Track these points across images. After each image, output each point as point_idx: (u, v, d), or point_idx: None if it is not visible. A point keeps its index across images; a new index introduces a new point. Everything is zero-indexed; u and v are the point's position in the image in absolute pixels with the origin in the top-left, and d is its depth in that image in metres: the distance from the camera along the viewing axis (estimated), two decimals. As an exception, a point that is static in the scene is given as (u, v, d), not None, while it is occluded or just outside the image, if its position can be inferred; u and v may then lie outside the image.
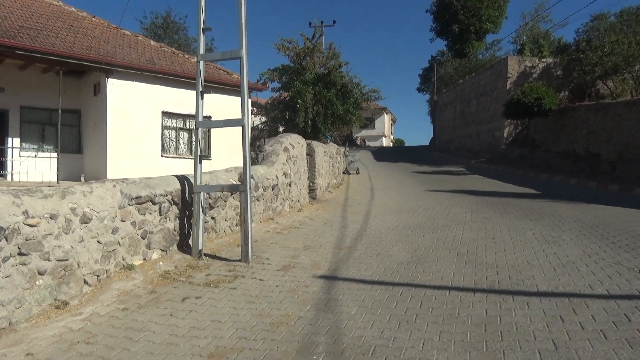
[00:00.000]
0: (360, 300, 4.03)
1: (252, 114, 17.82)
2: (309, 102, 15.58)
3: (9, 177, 12.53)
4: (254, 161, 8.72)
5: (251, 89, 14.44)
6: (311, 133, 16.24)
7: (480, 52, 39.04)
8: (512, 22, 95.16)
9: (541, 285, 4.30)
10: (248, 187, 5.31)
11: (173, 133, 13.54)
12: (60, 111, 12.09)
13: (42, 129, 13.54)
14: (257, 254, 5.63)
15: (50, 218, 3.89)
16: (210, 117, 14.16)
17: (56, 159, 12.19)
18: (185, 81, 13.64)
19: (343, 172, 18.51)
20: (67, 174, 12.68)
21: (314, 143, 11.14)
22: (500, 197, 11.11)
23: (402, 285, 4.43)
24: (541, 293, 4.08)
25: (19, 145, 12.98)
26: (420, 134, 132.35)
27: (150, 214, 5.08)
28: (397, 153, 34.64)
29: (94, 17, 15.54)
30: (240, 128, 5.52)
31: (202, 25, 5.79)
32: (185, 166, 13.36)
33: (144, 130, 12.82)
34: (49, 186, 4.69)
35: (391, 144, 61.00)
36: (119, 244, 4.67)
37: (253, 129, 17.67)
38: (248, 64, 5.37)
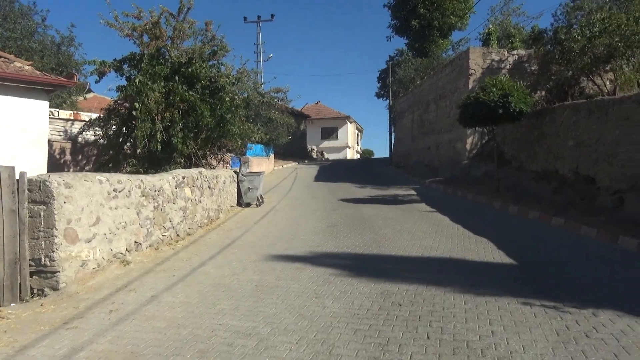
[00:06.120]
0: None
1: (88, 127, 12.17)
2: (153, 106, 10.02)
3: None
4: None
5: (39, 84, 8.80)
6: (164, 154, 10.68)
7: (445, 51, 34.12)
8: (480, 17, 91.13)
9: None
10: None
11: None
12: None
13: None
14: None
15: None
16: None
17: None
18: None
19: (237, 204, 13.04)
20: None
21: (58, 179, 5.63)
22: (424, 281, 5.70)
23: None
24: None
25: None
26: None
27: None
28: (350, 168, 29.24)
29: None
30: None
31: None
32: None
33: None
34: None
35: (358, 156, 55.84)
36: None
37: (85, 146, 12.09)
38: None
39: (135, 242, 7.29)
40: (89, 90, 26.18)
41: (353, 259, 6.92)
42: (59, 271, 5.56)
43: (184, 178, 9.14)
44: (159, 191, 8.06)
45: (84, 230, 6.00)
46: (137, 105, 9.79)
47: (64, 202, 5.68)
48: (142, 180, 7.62)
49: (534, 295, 4.94)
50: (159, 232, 8.02)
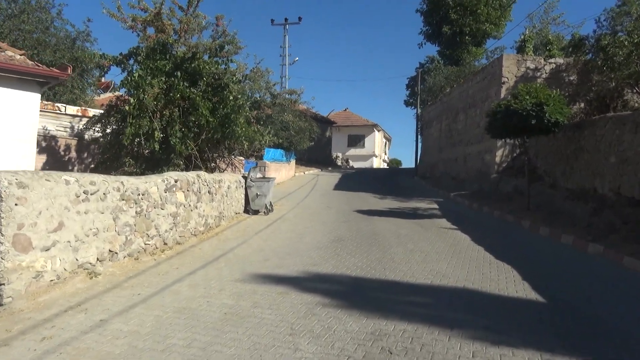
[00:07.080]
0: None
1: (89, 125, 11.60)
2: (150, 103, 9.34)
3: None
4: None
5: (29, 75, 8.21)
6: (163, 155, 9.99)
7: (478, 59, 32.73)
8: (517, 25, 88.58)
9: None
10: None
11: None
12: None
13: None
14: None
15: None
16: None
17: None
18: None
19: (245, 211, 12.28)
20: None
21: (10, 177, 4.94)
22: (427, 319, 4.72)
23: None
24: None
25: None
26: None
27: None
28: (373, 178, 28.18)
29: None
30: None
31: None
32: None
33: None
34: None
35: (384, 165, 54.63)
36: None
37: (92, 143, 11.55)
38: None
39: (110, 250, 6.55)
40: (114, 88, 26.02)
41: (349, 284, 5.98)
42: (3, 284, 4.84)
43: (176, 181, 8.38)
44: (143, 195, 7.32)
45: (40, 237, 5.27)
46: (131, 100, 9.13)
47: (15, 205, 4.96)
48: (122, 182, 6.88)
49: (561, 347, 3.91)
50: (141, 241, 7.26)
